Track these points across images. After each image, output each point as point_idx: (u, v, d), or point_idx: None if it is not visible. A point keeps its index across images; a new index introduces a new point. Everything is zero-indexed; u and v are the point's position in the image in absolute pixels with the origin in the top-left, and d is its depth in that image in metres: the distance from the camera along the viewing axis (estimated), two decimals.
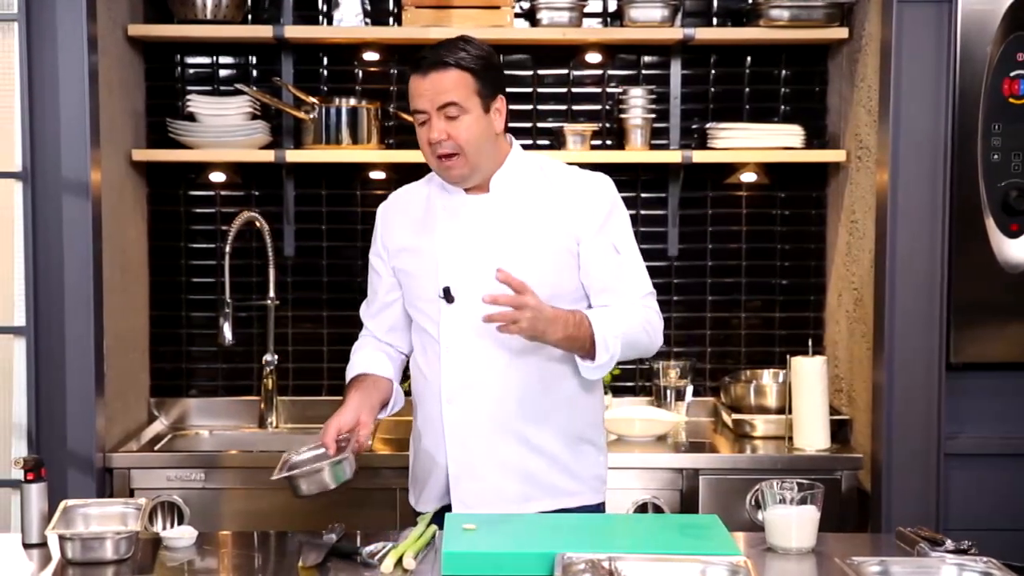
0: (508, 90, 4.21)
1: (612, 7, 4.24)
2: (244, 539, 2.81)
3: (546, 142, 4.26)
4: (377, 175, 4.23)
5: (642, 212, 4.28)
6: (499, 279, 2.64)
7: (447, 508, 2.89)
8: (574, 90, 4.29)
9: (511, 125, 4.20)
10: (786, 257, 4.32)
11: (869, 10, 3.80)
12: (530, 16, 4.13)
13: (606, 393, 4.02)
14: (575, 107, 4.29)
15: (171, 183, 4.24)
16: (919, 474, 3.67)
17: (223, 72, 4.25)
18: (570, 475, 2.93)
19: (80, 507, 2.72)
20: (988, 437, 3.76)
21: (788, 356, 3.84)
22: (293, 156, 4.05)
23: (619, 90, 4.20)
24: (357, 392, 2.93)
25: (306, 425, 4.17)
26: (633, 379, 4.30)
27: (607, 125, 4.27)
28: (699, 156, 4.07)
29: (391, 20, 4.22)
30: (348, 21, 4.08)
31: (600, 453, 3.01)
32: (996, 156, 3.66)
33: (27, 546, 2.71)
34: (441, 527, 2.67)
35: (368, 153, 4.08)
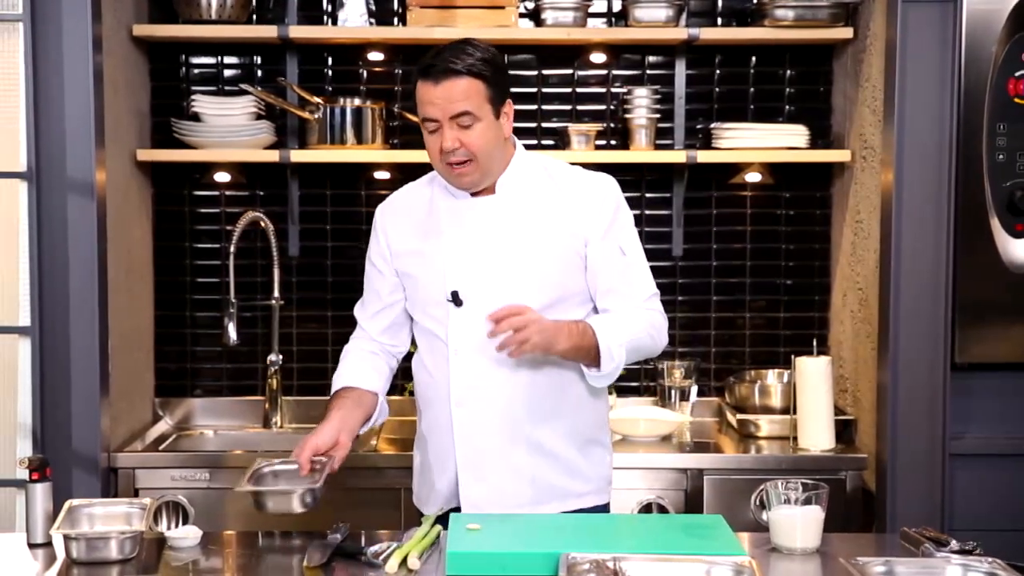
0: (513, 90, 4.22)
1: (617, 7, 4.24)
2: (248, 539, 2.81)
3: (550, 142, 4.26)
4: (381, 175, 4.23)
5: (646, 212, 4.28)
6: (492, 318, 2.67)
7: (455, 510, 2.88)
8: (578, 90, 4.29)
9: (516, 125, 4.21)
10: (791, 257, 4.32)
11: (874, 10, 3.80)
12: (534, 16, 4.13)
13: (610, 393, 4.02)
14: (579, 107, 4.29)
15: (176, 183, 4.25)
16: (924, 474, 3.66)
17: (228, 72, 4.26)
18: (579, 477, 2.93)
19: (85, 507, 2.72)
20: (993, 437, 3.76)
21: (792, 356, 3.84)
22: (297, 156, 4.05)
23: (623, 90, 4.20)
24: (339, 411, 2.90)
25: (310, 425, 4.14)
26: (637, 379, 4.30)
27: (611, 125, 4.27)
28: (703, 156, 4.07)
29: (395, 20, 4.22)
30: (352, 21, 4.08)
31: (607, 453, 3.02)
32: (1001, 156, 3.66)
33: (32, 546, 2.71)
34: (445, 527, 2.67)
35: (372, 153, 4.08)
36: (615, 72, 4.28)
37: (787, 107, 4.29)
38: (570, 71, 4.29)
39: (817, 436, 3.77)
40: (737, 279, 4.33)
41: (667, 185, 4.27)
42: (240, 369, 4.29)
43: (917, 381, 3.66)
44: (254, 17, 4.20)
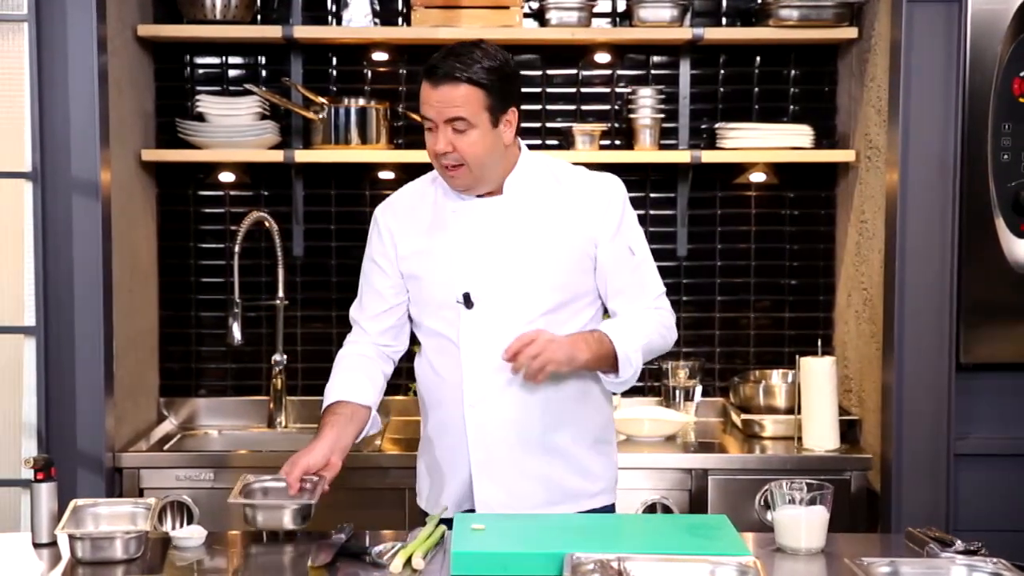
0: None
1: (621, 7, 4.23)
2: (253, 539, 2.81)
3: (555, 142, 4.26)
4: (386, 175, 4.23)
5: (651, 212, 4.28)
6: (507, 357, 2.69)
7: (468, 512, 2.87)
8: (583, 90, 4.29)
9: (521, 125, 4.21)
10: (795, 257, 4.32)
11: (879, 10, 3.80)
12: (539, 16, 4.13)
13: (614, 393, 4.02)
14: (584, 107, 4.29)
15: (180, 183, 4.25)
16: (929, 474, 3.66)
17: (232, 72, 4.26)
18: (590, 476, 2.93)
19: (90, 507, 2.72)
20: (998, 437, 3.76)
21: (797, 356, 3.84)
22: (302, 156, 4.05)
23: (628, 90, 4.20)
24: (332, 429, 2.85)
25: (315, 425, 4.14)
26: (642, 379, 4.25)
27: (616, 125, 4.27)
28: (708, 156, 4.07)
29: (400, 20, 4.22)
30: (357, 21, 4.08)
31: (614, 452, 3.02)
32: (1006, 156, 3.66)
33: (37, 546, 2.71)
34: (449, 527, 2.67)
35: (377, 153, 4.08)
36: (619, 72, 4.28)
37: (791, 107, 4.29)
38: (574, 71, 4.29)
39: (822, 436, 3.77)
40: (741, 279, 4.33)
41: (671, 185, 4.27)
42: (245, 369, 4.30)
43: (922, 381, 3.66)
44: (258, 17, 4.20)
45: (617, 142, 4.26)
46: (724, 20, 4.25)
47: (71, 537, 2.57)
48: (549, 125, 4.28)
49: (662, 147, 4.16)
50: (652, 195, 4.28)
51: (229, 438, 4.13)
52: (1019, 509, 3.72)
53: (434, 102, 2.76)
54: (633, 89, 4.16)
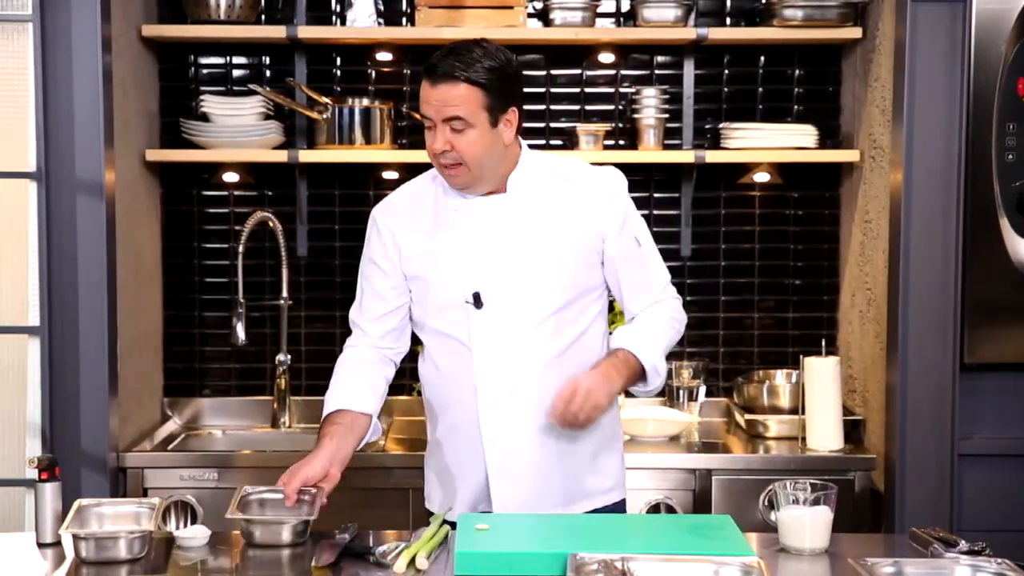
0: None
1: (625, 7, 4.23)
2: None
3: (559, 142, 4.26)
4: (390, 175, 4.23)
5: (655, 212, 4.28)
6: (554, 419, 2.74)
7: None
8: (587, 90, 4.29)
9: (524, 125, 4.20)
10: (799, 257, 4.31)
11: (883, 10, 3.79)
12: (543, 16, 4.13)
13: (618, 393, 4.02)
14: (588, 107, 4.29)
15: (184, 183, 4.25)
16: (933, 475, 3.66)
17: (236, 72, 4.26)
18: (603, 473, 2.93)
19: (94, 506, 2.72)
20: (1002, 438, 3.75)
21: (801, 356, 3.84)
22: (306, 156, 4.05)
23: (632, 90, 4.20)
24: (331, 440, 2.82)
25: (318, 425, 4.17)
26: None
27: (620, 125, 4.27)
28: (712, 156, 4.07)
29: (404, 20, 4.22)
30: (361, 21, 4.08)
31: (622, 447, 3.03)
32: (1011, 156, 3.65)
33: (41, 545, 2.71)
34: (453, 527, 2.67)
35: (381, 153, 4.08)
36: (623, 72, 4.28)
37: (796, 107, 4.28)
38: (578, 71, 4.29)
39: (826, 436, 3.77)
40: (745, 279, 4.32)
41: (675, 185, 4.27)
42: (248, 369, 4.30)
43: (926, 381, 3.66)
44: (263, 17, 4.20)
45: (621, 142, 4.26)
46: (728, 20, 4.25)
47: (75, 537, 2.57)
48: (553, 125, 4.28)
49: (666, 147, 4.15)
50: (656, 195, 4.28)
51: (233, 438, 4.13)
52: (1023, 509, 3.71)
53: (432, 101, 2.75)
54: (637, 89, 4.16)
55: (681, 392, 4.13)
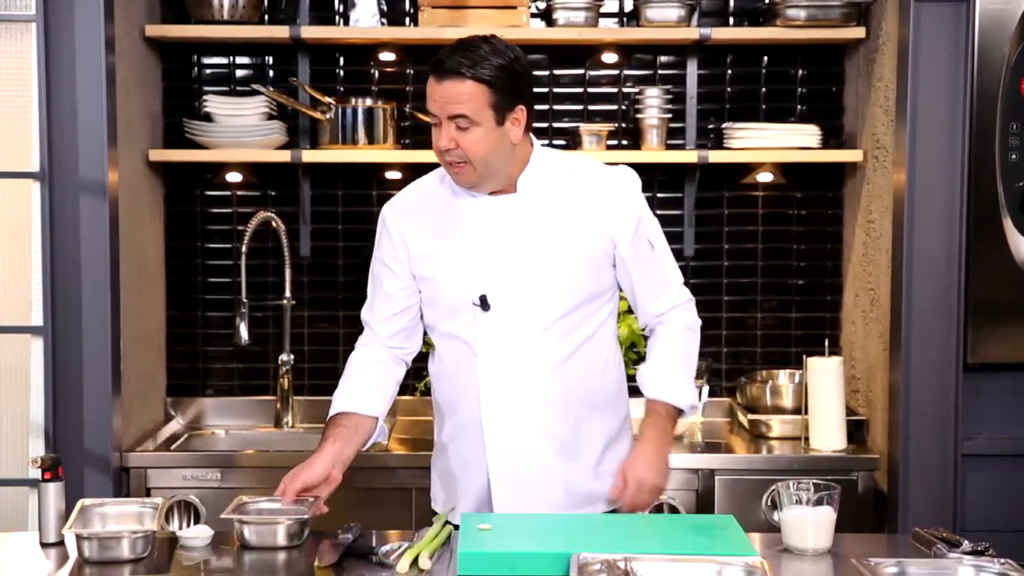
0: None
1: (628, 7, 4.23)
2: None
3: (562, 142, 4.26)
4: (393, 175, 4.23)
5: (658, 212, 4.21)
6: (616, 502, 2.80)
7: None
8: (590, 90, 4.29)
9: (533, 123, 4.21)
10: (802, 257, 4.31)
11: (886, 9, 3.79)
12: (546, 16, 4.13)
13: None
14: (591, 107, 4.29)
15: (188, 183, 4.26)
16: (936, 475, 3.66)
17: (240, 72, 4.27)
18: (607, 478, 2.88)
19: (97, 506, 2.72)
20: (1006, 438, 3.75)
21: (804, 356, 3.83)
22: (309, 156, 4.05)
23: (635, 90, 4.20)
24: (334, 443, 2.82)
25: (321, 425, 4.15)
26: None
27: (623, 125, 4.26)
28: (715, 156, 4.07)
29: (407, 20, 4.22)
30: (364, 21, 4.09)
31: (631, 450, 2.97)
32: (1014, 156, 3.65)
33: (44, 545, 2.71)
34: (457, 527, 2.67)
35: (384, 153, 4.08)
36: (627, 72, 4.28)
37: (799, 107, 4.28)
38: (581, 71, 4.29)
39: (829, 436, 3.77)
40: (749, 279, 4.32)
41: (679, 185, 4.26)
42: (252, 369, 4.30)
43: (929, 381, 3.65)
44: (266, 17, 4.20)
45: (624, 142, 4.26)
46: (731, 20, 4.25)
47: (78, 537, 2.57)
48: (556, 125, 4.28)
49: (669, 147, 4.15)
50: (659, 195, 4.28)
51: (236, 438, 4.13)
52: None
53: (437, 97, 2.72)
54: (640, 89, 4.16)
55: None
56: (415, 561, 2.49)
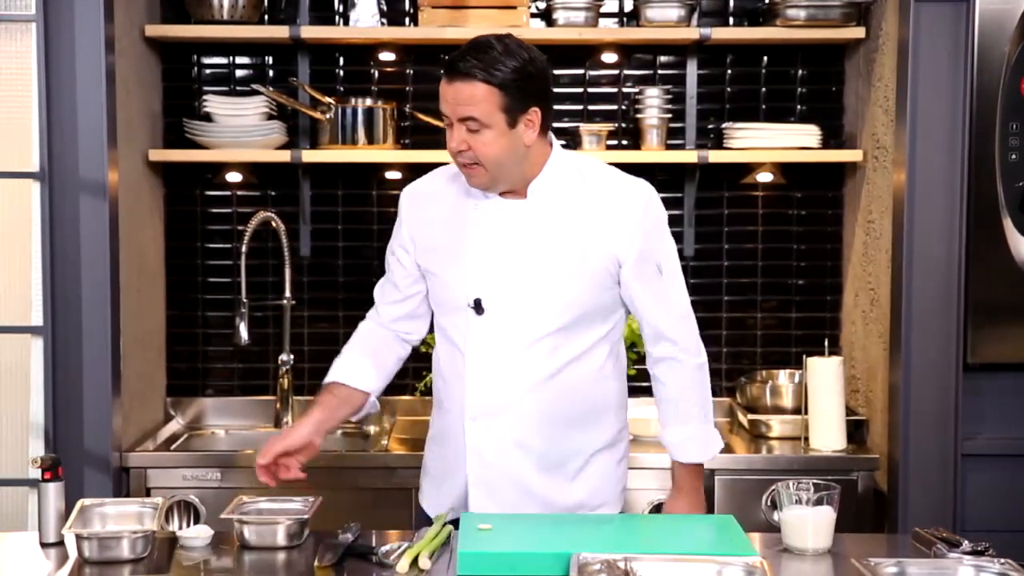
0: None
1: (628, 7, 4.23)
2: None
3: (562, 142, 4.23)
4: (393, 175, 4.24)
5: None
6: None
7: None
8: (590, 90, 4.29)
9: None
10: (802, 257, 4.31)
11: (886, 9, 3.79)
12: (546, 16, 4.13)
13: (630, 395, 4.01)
14: (591, 107, 4.29)
15: (188, 183, 4.26)
16: (936, 475, 3.66)
17: (240, 72, 4.27)
18: (591, 490, 2.87)
19: (97, 506, 2.72)
20: (1005, 438, 3.75)
21: (804, 356, 3.83)
22: (309, 156, 4.05)
23: (635, 90, 4.20)
24: (320, 411, 2.86)
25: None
26: (648, 379, 4.28)
27: (623, 125, 4.26)
28: (715, 156, 4.07)
29: (407, 20, 4.22)
30: (364, 21, 4.09)
31: (621, 462, 2.95)
32: (1014, 156, 3.65)
33: (44, 545, 2.71)
34: (456, 527, 2.67)
35: (384, 153, 4.08)
36: (626, 72, 4.28)
37: (799, 107, 4.28)
38: (581, 71, 4.29)
39: (829, 436, 3.77)
40: (749, 279, 4.32)
41: (679, 185, 4.26)
42: (251, 369, 4.30)
43: (929, 381, 3.65)
44: (266, 17, 4.20)
45: (624, 142, 4.26)
46: (731, 20, 4.25)
47: (78, 537, 2.57)
48: (556, 125, 4.27)
49: (669, 147, 4.15)
50: (659, 195, 4.26)
51: (236, 438, 4.13)
52: None
53: (448, 99, 2.69)
54: (640, 89, 4.16)
55: None
56: (415, 561, 2.49)
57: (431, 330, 3.00)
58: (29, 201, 3.64)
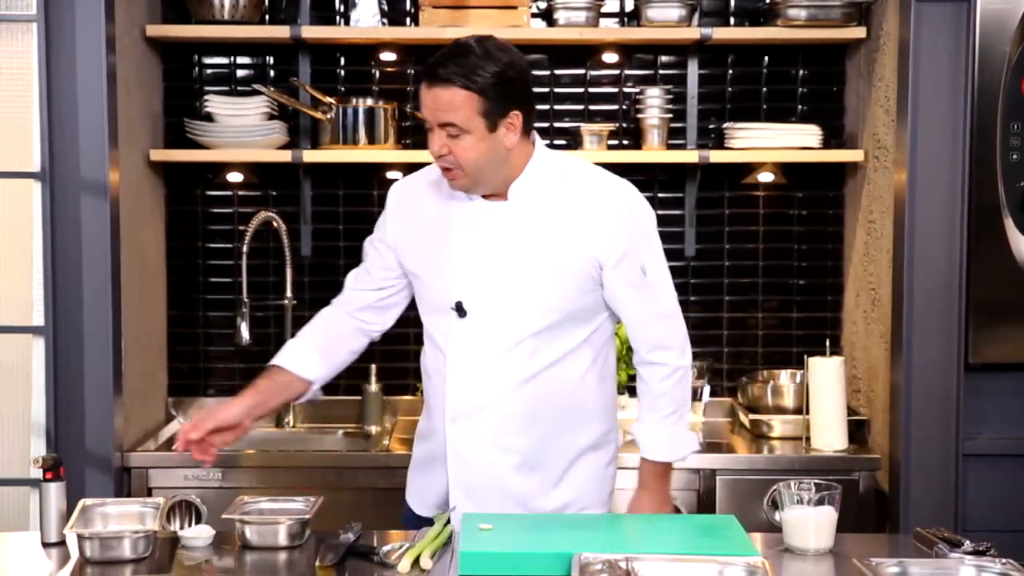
0: None
1: (629, 7, 4.23)
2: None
3: (563, 142, 4.26)
4: (394, 175, 4.23)
5: (659, 212, 4.20)
6: None
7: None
8: (591, 90, 4.29)
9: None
10: (803, 257, 4.31)
11: (887, 9, 3.79)
12: (547, 16, 4.13)
13: (622, 393, 4.02)
14: (592, 107, 4.29)
15: (189, 183, 4.26)
16: (937, 475, 3.65)
17: (240, 72, 4.27)
18: (574, 493, 2.86)
19: (98, 506, 2.72)
20: (1007, 438, 3.75)
21: (805, 356, 3.83)
22: (310, 156, 4.05)
23: (636, 90, 4.20)
24: (257, 395, 2.88)
25: (323, 425, 4.19)
26: None
27: (624, 125, 4.26)
28: (716, 156, 4.07)
29: (408, 20, 4.23)
30: (365, 21, 4.09)
31: (610, 464, 2.94)
32: (1015, 156, 3.65)
33: (46, 545, 2.71)
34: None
35: (385, 153, 4.08)
36: (627, 72, 4.28)
37: (800, 107, 4.28)
38: (582, 71, 4.29)
39: (830, 436, 3.77)
40: (749, 279, 4.32)
41: (679, 185, 4.26)
42: (253, 369, 4.26)
43: (931, 381, 3.65)
44: (267, 17, 4.21)
45: (625, 142, 4.26)
46: (732, 20, 4.25)
47: (80, 536, 2.57)
48: (557, 125, 4.28)
49: (670, 147, 4.15)
50: (660, 195, 4.28)
51: None
52: None
53: (428, 104, 2.68)
54: (641, 89, 4.16)
55: None
56: (416, 561, 2.49)
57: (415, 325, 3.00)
58: (30, 201, 3.64)
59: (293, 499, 2.77)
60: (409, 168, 4.13)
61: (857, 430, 3.90)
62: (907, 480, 3.65)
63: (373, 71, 4.27)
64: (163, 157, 4.07)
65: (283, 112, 4.17)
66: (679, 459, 2.90)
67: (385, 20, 4.15)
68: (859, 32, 3.99)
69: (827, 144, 4.15)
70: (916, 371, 3.65)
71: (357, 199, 4.28)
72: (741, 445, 3.90)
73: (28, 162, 3.65)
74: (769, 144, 4.06)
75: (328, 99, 4.05)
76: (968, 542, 2.54)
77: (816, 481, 2.61)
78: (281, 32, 4.01)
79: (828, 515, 2.59)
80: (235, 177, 4.25)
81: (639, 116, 4.13)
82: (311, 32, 4.04)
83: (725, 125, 4.19)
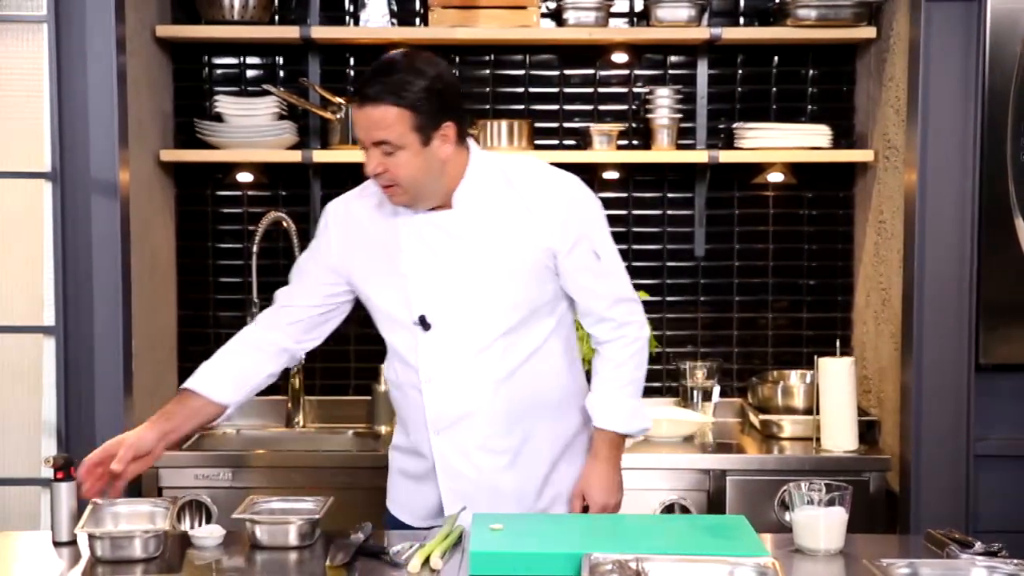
0: (534, 90, 4.20)
1: (638, 7, 4.23)
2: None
3: (572, 142, 4.26)
4: None
5: (669, 212, 4.27)
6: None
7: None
8: (600, 90, 4.29)
9: (538, 125, 4.21)
10: (813, 257, 4.31)
11: (897, 9, 3.79)
12: (556, 16, 4.13)
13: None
14: (601, 107, 4.29)
15: (199, 183, 4.26)
16: (948, 475, 3.65)
17: (250, 73, 4.27)
18: (565, 484, 2.89)
19: (109, 506, 2.72)
20: (1018, 438, 3.74)
21: (815, 357, 3.83)
22: (320, 156, 4.06)
23: (646, 90, 4.20)
24: (168, 422, 2.81)
25: (332, 425, 4.19)
26: (660, 379, 4.29)
27: (634, 125, 4.26)
28: (726, 156, 4.06)
29: (417, 21, 4.23)
30: (374, 22, 4.09)
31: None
32: None
33: (57, 544, 2.72)
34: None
35: None
36: (637, 72, 4.28)
37: (810, 107, 4.28)
38: (592, 71, 4.29)
39: (840, 437, 3.76)
40: (759, 279, 4.32)
41: (689, 185, 4.26)
42: None
43: (941, 382, 3.65)
44: (276, 18, 4.21)
45: (635, 142, 4.26)
46: (742, 20, 4.25)
47: (91, 536, 2.58)
48: (567, 125, 4.28)
49: (680, 147, 4.15)
50: (670, 195, 4.27)
51: (247, 438, 4.13)
52: None
53: (361, 124, 2.67)
54: (651, 89, 4.15)
55: (695, 392, 4.12)
56: (427, 561, 2.49)
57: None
58: (41, 201, 3.65)
59: (303, 499, 2.78)
60: None
61: (867, 431, 3.89)
62: (918, 481, 3.64)
63: None
64: (173, 157, 4.08)
65: (293, 112, 4.17)
66: (635, 433, 2.91)
67: (394, 20, 4.15)
68: (869, 32, 3.98)
69: (837, 144, 4.14)
70: (927, 371, 3.64)
71: None
72: (751, 445, 3.89)
73: (39, 162, 3.66)
74: (779, 144, 4.06)
75: (337, 99, 4.05)
76: (979, 543, 2.53)
77: (826, 482, 2.61)
78: (291, 32, 4.01)
79: (838, 516, 2.59)
80: (245, 177, 4.25)
81: (649, 116, 4.13)
82: (320, 32, 4.04)
83: (735, 125, 4.19)
